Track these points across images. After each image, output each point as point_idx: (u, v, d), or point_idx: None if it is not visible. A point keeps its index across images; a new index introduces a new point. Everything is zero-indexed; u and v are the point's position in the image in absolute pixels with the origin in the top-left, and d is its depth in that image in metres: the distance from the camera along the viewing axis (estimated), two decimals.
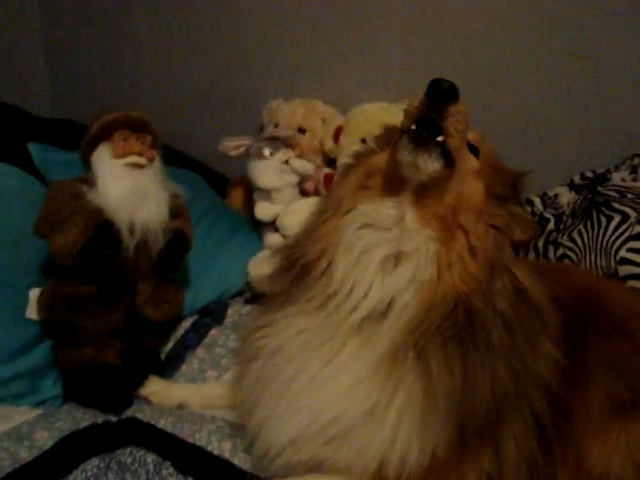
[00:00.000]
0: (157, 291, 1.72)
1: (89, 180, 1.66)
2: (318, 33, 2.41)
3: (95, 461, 1.30)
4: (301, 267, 1.23)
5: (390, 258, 1.16)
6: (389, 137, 1.27)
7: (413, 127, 1.12)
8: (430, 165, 1.11)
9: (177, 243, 1.73)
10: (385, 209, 1.18)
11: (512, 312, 1.14)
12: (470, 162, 1.20)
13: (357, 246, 1.17)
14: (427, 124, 1.11)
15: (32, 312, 1.63)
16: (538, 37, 2.13)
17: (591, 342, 1.32)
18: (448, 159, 1.13)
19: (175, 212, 1.75)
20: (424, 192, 1.15)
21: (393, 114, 2.24)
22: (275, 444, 1.20)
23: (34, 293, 1.64)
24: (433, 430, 1.10)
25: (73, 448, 1.35)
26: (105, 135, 1.68)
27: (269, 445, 1.21)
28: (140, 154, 1.69)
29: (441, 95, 1.09)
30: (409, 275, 1.14)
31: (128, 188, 1.63)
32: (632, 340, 1.32)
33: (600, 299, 1.43)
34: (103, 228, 1.57)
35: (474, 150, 1.22)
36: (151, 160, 1.73)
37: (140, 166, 1.69)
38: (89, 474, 1.27)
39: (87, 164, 1.71)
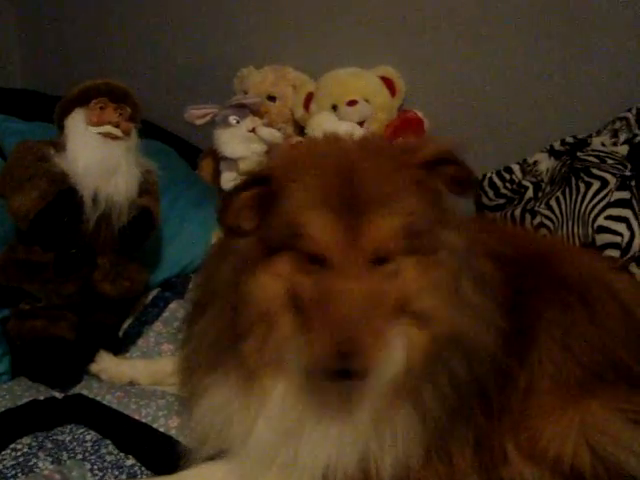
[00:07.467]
0: (116, 267, 1.66)
1: (58, 144, 1.61)
2: None
3: (27, 440, 1.25)
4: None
5: None
6: None
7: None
8: None
9: (141, 221, 1.66)
10: None
11: None
12: None
13: None
14: None
15: None
16: None
17: (543, 308, 1.20)
18: None
19: (144, 189, 1.69)
20: None
21: (365, 80, 2.18)
22: None
23: None
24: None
25: (5, 427, 1.29)
26: (82, 100, 1.63)
27: None
28: (116, 125, 1.63)
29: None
30: None
31: (98, 158, 1.57)
32: (590, 311, 1.20)
33: (561, 263, 1.30)
34: (65, 194, 1.52)
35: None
36: (127, 133, 1.66)
37: (114, 137, 1.62)
38: (18, 454, 1.21)
39: (60, 127, 1.65)
